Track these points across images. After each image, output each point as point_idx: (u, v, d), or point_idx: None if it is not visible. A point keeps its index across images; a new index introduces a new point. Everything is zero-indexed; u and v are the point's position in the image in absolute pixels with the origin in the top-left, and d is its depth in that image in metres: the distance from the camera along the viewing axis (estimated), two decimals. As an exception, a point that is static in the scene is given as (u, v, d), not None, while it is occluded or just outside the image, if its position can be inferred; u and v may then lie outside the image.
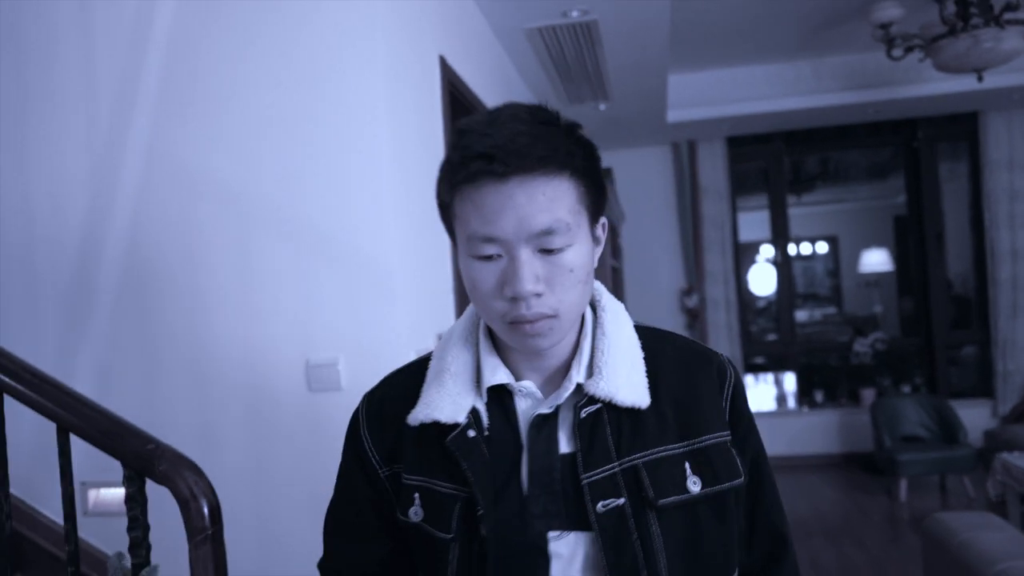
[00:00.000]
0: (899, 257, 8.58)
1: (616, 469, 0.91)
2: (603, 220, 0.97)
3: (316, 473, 2.23)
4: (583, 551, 0.90)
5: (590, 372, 0.95)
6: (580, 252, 0.90)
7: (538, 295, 0.88)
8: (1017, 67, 4.99)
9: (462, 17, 3.31)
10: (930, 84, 5.53)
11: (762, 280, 8.22)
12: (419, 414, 0.96)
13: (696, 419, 0.95)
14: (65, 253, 2.43)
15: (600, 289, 1.03)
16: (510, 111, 0.90)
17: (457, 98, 3.09)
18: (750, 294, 8.10)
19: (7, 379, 1.67)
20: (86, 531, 2.27)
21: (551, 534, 0.90)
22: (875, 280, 9.54)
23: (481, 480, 0.91)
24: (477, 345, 1.01)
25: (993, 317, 6.47)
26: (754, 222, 7.60)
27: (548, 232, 0.86)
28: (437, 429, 0.94)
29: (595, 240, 0.95)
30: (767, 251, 7.85)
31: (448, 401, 0.95)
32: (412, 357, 2.37)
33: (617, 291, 4.54)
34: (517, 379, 0.97)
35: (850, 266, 9.85)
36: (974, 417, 6.27)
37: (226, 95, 2.37)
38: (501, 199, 0.85)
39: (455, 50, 3.10)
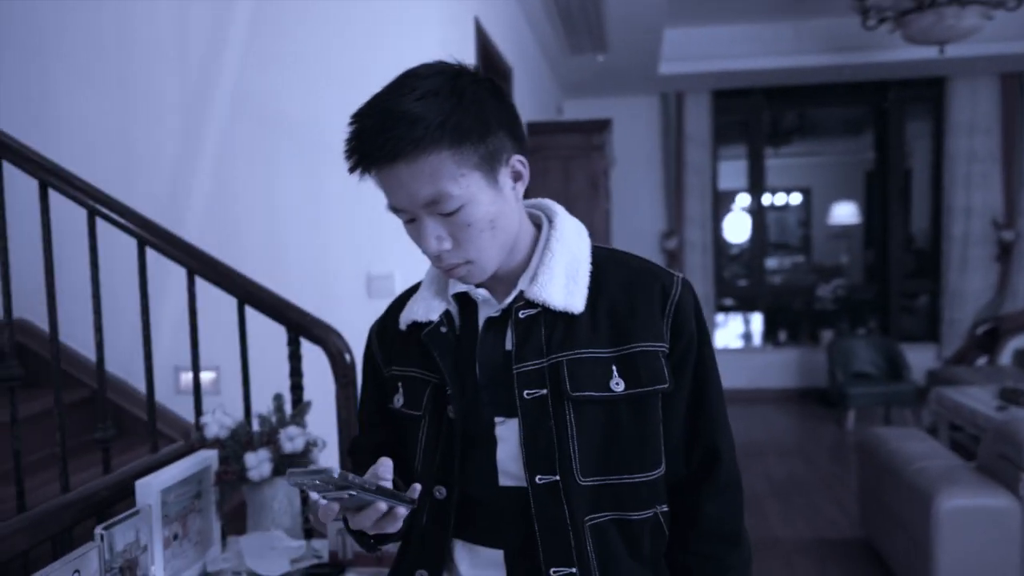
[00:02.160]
0: (866, 210, 9.04)
1: (544, 364, 1.00)
2: (515, 159, 1.01)
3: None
4: (516, 435, 1.00)
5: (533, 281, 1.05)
6: (476, 208, 0.96)
7: (447, 250, 0.98)
8: (982, 39, 5.23)
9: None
10: (901, 50, 5.79)
11: (736, 228, 8.66)
12: (403, 318, 1.11)
13: (629, 329, 1.02)
14: (160, 175, 2.88)
15: (554, 210, 1.12)
16: (390, 93, 0.96)
17: (486, 46, 3.52)
18: (724, 240, 8.44)
19: (198, 265, 2.17)
20: (178, 407, 2.77)
21: (497, 419, 1.02)
22: (843, 232, 10.01)
23: (449, 367, 1.04)
24: None
25: (945, 270, 6.96)
26: (733, 171, 7.92)
27: (434, 202, 0.94)
28: (418, 329, 1.08)
29: (512, 178, 1.01)
30: (743, 200, 8.24)
31: (423, 305, 1.09)
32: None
33: (605, 231, 5.01)
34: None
35: (820, 217, 10.34)
36: (920, 359, 6.86)
37: (300, 50, 2.82)
38: (391, 178, 0.95)
39: (484, 8, 3.51)
